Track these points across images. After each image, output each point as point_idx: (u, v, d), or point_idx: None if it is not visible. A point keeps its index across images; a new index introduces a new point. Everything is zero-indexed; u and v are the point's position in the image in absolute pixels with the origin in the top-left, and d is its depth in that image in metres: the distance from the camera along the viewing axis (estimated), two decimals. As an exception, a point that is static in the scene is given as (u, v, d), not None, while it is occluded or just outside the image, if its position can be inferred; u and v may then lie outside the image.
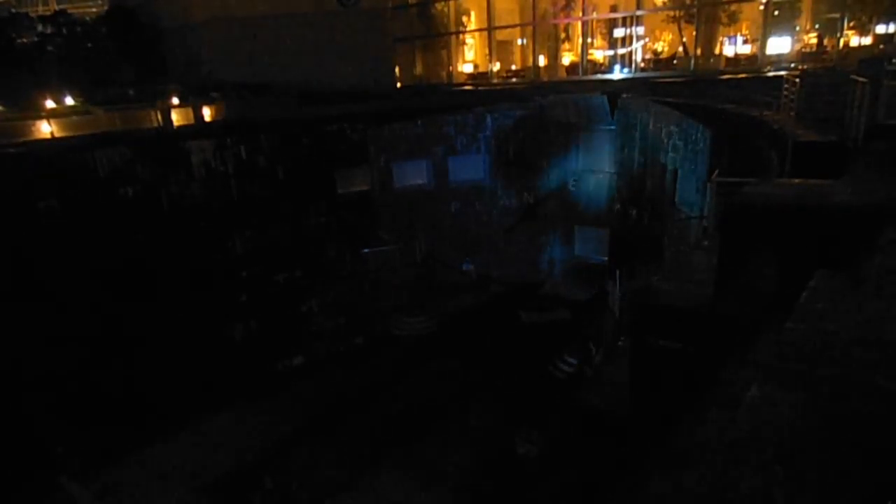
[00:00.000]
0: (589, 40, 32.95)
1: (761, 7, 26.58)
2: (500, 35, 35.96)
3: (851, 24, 27.31)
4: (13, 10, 37.41)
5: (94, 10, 40.95)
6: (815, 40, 28.85)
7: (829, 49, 26.62)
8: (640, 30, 30.55)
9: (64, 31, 32.29)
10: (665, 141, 18.77)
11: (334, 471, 14.95)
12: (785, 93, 13.81)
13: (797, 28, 29.49)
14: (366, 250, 22.83)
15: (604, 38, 34.82)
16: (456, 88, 34.75)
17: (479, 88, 32.92)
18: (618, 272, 19.33)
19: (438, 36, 37.35)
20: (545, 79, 32.83)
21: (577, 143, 24.21)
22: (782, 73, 18.15)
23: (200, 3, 30.96)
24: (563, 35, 36.21)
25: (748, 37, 30.81)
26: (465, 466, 14.69)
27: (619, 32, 32.07)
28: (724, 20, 29.99)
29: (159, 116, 22.90)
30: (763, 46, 26.44)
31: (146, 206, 17.91)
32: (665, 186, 18.97)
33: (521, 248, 25.40)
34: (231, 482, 14.84)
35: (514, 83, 33.49)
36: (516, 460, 14.57)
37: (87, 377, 16.34)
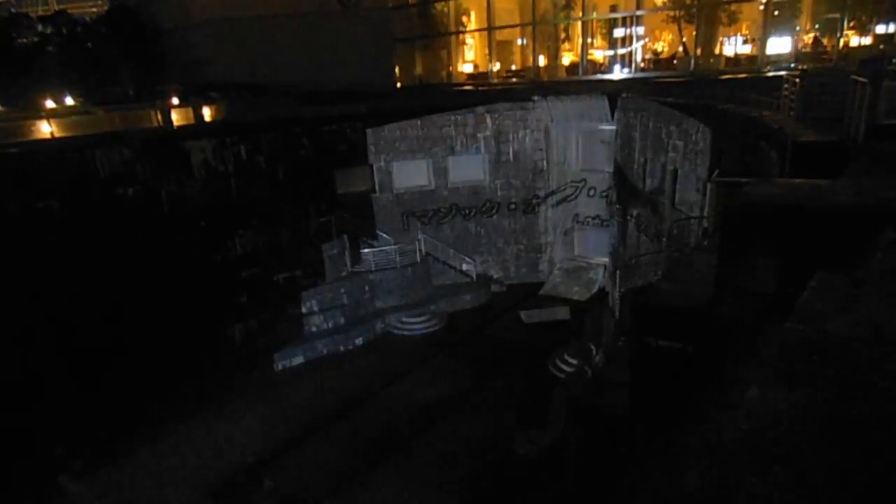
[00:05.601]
0: (589, 40, 32.95)
1: (761, 7, 26.58)
2: (500, 35, 35.96)
3: (851, 24, 27.31)
4: (13, 10, 37.40)
5: (94, 10, 40.95)
6: (816, 40, 28.85)
7: (829, 49, 26.62)
8: (640, 30, 30.55)
9: (64, 31, 32.30)
10: (665, 141, 18.77)
11: (334, 471, 14.94)
12: (785, 93, 13.80)
13: (797, 28, 29.48)
14: (366, 250, 22.82)
15: (604, 38, 34.81)
16: (456, 88, 34.74)
17: (479, 88, 32.92)
18: (618, 272, 19.33)
19: (438, 36, 37.37)
20: (545, 79, 32.84)
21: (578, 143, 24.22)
22: (782, 73, 18.15)
23: (200, 3, 30.97)
24: (563, 35, 36.20)
25: (748, 37, 30.81)
26: (465, 466, 14.68)
27: (619, 32, 32.07)
28: (724, 20, 29.98)
29: (159, 116, 22.89)
30: (763, 46, 26.44)
31: (146, 205, 17.90)
32: (665, 186, 18.97)
33: (522, 248, 25.42)
34: (231, 482, 14.83)
35: (514, 83, 33.49)
36: (516, 460, 14.56)
37: (87, 377, 16.33)
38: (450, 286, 24.13)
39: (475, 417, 16.67)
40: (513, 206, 24.81)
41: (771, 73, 22.22)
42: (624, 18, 31.61)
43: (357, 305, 22.25)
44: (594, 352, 17.93)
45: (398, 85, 36.63)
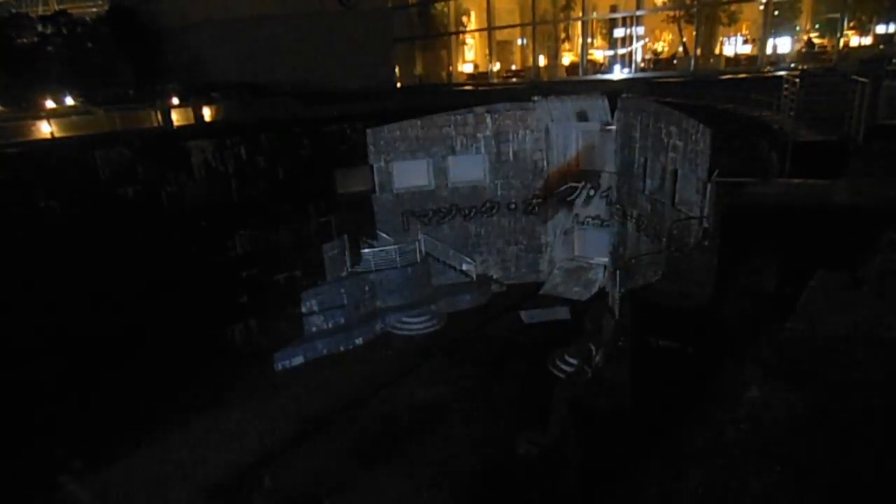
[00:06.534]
0: (589, 40, 32.95)
1: (761, 7, 26.58)
2: (500, 35, 35.97)
3: (851, 24, 27.31)
4: (13, 10, 37.40)
5: (94, 10, 40.92)
6: (816, 40, 28.84)
7: (828, 49, 26.63)
8: (640, 30, 30.55)
9: (64, 31, 32.28)
10: (665, 141, 18.77)
11: (333, 471, 14.95)
12: (785, 93, 13.80)
13: (797, 28, 29.49)
14: (366, 250, 22.82)
15: (604, 38, 34.82)
16: (456, 88, 34.74)
17: (479, 88, 32.91)
18: (618, 272, 19.32)
19: (438, 36, 37.37)
20: (545, 79, 32.84)
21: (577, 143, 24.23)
22: (782, 73, 18.14)
23: (200, 3, 30.97)
24: (563, 35, 36.21)
25: (748, 37, 30.81)
26: (465, 467, 14.68)
27: (619, 32, 32.08)
28: (724, 20, 29.99)
29: (159, 116, 22.89)
30: (763, 46, 26.44)
31: (146, 206, 17.90)
32: (665, 186, 18.97)
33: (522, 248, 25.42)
34: (231, 482, 14.83)
35: (514, 83, 33.48)
36: (516, 460, 14.56)
37: (87, 377, 16.33)
38: (450, 286, 24.13)
39: (475, 417, 16.67)
40: (513, 206, 24.82)
41: (771, 73, 22.21)
42: (624, 18, 31.61)
43: (357, 305, 22.24)
44: (594, 352, 17.92)
45: (398, 85, 36.62)
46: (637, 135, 21.03)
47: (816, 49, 27.82)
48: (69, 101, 31.20)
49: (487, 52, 35.61)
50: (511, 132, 24.02)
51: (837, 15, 25.84)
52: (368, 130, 22.60)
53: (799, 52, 27.68)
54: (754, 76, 23.46)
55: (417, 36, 37.61)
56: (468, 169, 24.09)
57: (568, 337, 19.87)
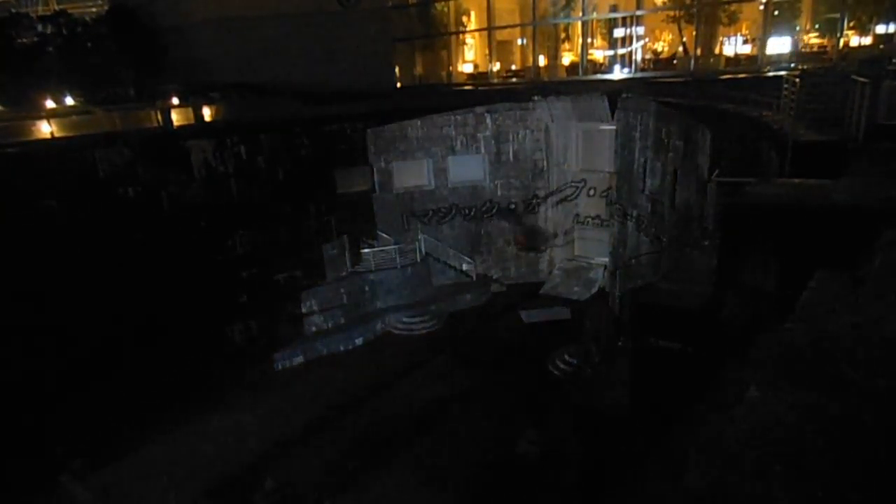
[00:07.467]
0: (589, 40, 32.92)
1: (761, 7, 26.57)
2: (500, 35, 35.92)
3: (851, 24, 27.29)
4: (13, 10, 37.35)
5: (94, 10, 40.89)
6: (816, 40, 28.83)
7: (828, 49, 26.61)
8: (640, 30, 30.51)
9: (64, 31, 32.26)
10: (665, 141, 18.77)
11: (334, 471, 14.95)
12: (785, 93, 13.78)
13: (797, 28, 29.47)
14: (366, 250, 22.82)
15: (604, 38, 34.79)
16: (456, 88, 34.73)
17: (479, 88, 32.90)
18: (618, 272, 19.33)
19: (438, 36, 37.34)
20: (545, 79, 32.81)
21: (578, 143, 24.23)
22: (782, 73, 18.13)
23: (200, 3, 30.93)
24: (563, 35, 36.18)
25: (748, 37, 30.79)
26: (465, 466, 14.68)
27: (619, 32, 32.04)
28: (724, 20, 29.96)
29: (159, 116, 22.89)
30: (763, 46, 26.43)
31: (146, 206, 17.91)
32: (665, 186, 18.97)
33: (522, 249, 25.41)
34: (231, 482, 14.83)
35: (514, 83, 33.46)
36: (516, 460, 14.56)
37: (86, 377, 16.33)
38: (450, 286, 24.13)
39: (475, 417, 16.67)
40: (513, 206, 24.82)
41: (771, 73, 22.20)
42: (624, 18, 31.56)
43: (357, 305, 22.24)
44: (594, 352, 17.92)
45: (398, 85, 36.60)
46: (637, 135, 21.02)
47: (816, 49, 27.79)
48: (69, 101, 31.18)
49: (487, 52, 35.58)
50: (511, 132, 24.01)
51: (837, 15, 25.80)
52: (368, 130, 22.60)
53: (799, 51, 27.65)
54: (754, 76, 23.44)
55: (417, 36, 37.57)
56: (468, 169, 24.09)
57: (568, 337, 19.87)
